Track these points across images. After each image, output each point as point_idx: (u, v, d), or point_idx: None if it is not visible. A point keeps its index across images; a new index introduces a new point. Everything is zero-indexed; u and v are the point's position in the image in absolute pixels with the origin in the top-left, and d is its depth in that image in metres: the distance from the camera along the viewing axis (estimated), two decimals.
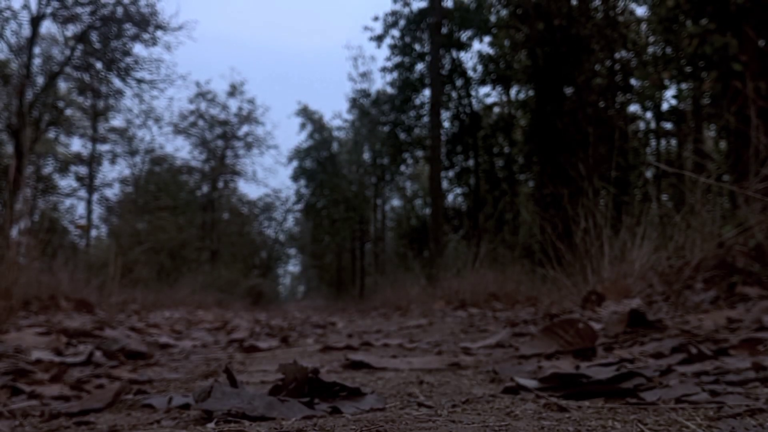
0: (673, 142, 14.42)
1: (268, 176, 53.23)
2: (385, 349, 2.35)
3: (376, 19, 19.55)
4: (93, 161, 22.68)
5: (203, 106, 25.33)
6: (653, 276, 3.15)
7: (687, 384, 1.10)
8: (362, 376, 1.48)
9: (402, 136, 19.65)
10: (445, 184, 17.11)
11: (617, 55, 12.50)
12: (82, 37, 14.63)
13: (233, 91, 25.32)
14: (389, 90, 20.36)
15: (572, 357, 1.57)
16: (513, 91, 14.85)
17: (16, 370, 1.47)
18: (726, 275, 2.51)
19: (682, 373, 1.21)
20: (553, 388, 1.12)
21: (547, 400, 1.05)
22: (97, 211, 23.42)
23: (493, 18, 16.24)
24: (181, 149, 47.59)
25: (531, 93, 13.56)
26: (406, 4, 18.67)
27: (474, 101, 17.75)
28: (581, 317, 2.67)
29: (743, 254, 2.52)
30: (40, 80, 15.23)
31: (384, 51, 39.52)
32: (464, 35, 18.07)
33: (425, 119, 18.55)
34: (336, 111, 48.42)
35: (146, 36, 15.07)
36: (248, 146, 25.86)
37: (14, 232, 3.30)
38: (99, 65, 15.38)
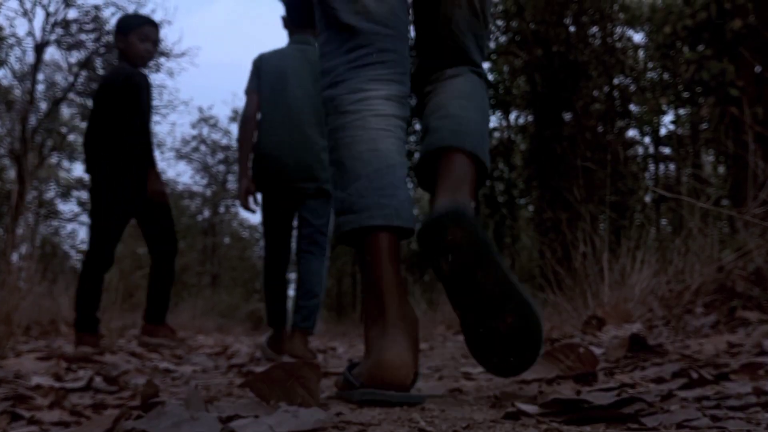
0: (672, 166, 14.47)
1: None
2: None
3: None
4: None
5: (205, 131, 25.46)
6: (653, 300, 3.15)
7: (688, 409, 1.10)
8: (359, 400, 1.47)
9: None
10: None
11: (615, 81, 12.60)
12: (85, 64, 14.77)
13: (235, 116, 25.48)
14: None
15: (573, 382, 1.57)
16: (512, 116, 14.95)
17: (15, 396, 1.47)
18: (726, 299, 2.51)
19: (683, 398, 1.21)
20: (555, 413, 1.12)
21: (548, 425, 1.05)
22: None
23: (492, 44, 16.42)
24: (183, 174, 47.75)
25: (530, 118, 13.64)
26: None
27: None
28: (582, 342, 2.66)
29: (743, 278, 2.52)
30: (43, 106, 15.35)
31: None
32: None
33: None
34: None
35: (149, 62, 15.21)
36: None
37: (15, 257, 3.31)
38: None
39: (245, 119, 3.28)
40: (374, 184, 1.34)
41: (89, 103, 15.91)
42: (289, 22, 3.36)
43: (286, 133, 3.16)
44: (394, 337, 1.28)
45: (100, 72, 14.97)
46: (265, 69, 3.24)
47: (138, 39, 3.61)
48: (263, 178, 3.24)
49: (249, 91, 3.28)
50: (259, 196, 3.33)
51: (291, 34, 3.34)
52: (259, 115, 3.28)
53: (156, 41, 3.76)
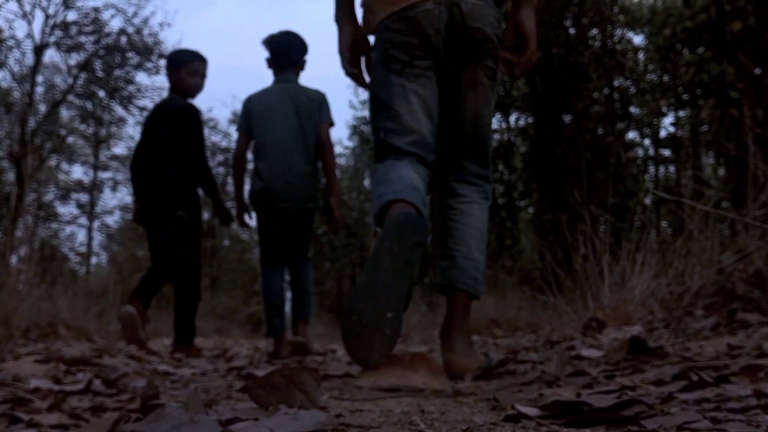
0: (672, 168, 14.48)
1: None
2: None
3: None
4: (94, 188, 22.74)
5: (205, 133, 25.43)
6: (653, 302, 3.14)
7: (688, 411, 1.10)
8: (362, 403, 1.47)
9: None
10: None
11: (615, 83, 12.61)
12: (85, 66, 14.76)
13: (235, 118, 25.49)
14: None
15: (573, 384, 1.56)
16: (512, 118, 14.95)
17: (14, 399, 1.46)
18: (726, 302, 2.51)
19: (684, 401, 1.21)
20: (555, 415, 1.12)
21: (548, 428, 1.05)
22: (98, 238, 23.43)
23: None
24: None
25: (530, 120, 13.65)
26: None
27: None
28: (582, 343, 2.66)
29: (743, 281, 2.52)
30: (42, 108, 15.35)
31: None
32: None
33: None
34: (337, 138, 48.67)
35: (149, 64, 15.21)
36: (250, 173, 25.95)
37: (14, 260, 3.31)
38: (102, 93, 15.50)
39: (235, 158, 3.95)
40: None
41: (88, 105, 15.95)
42: (273, 63, 3.89)
43: (275, 160, 3.68)
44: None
45: (100, 74, 14.98)
46: (254, 108, 3.78)
47: (188, 74, 3.94)
48: (256, 199, 3.76)
49: (239, 131, 3.86)
50: (254, 215, 3.89)
51: (275, 73, 3.88)
52: (253, 144, 3.86)
53: (204, 75, 4.05)
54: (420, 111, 1.98)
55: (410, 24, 1.96)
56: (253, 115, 3.77)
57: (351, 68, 2.18)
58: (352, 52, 2.17)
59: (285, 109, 3.71)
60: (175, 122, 3.84)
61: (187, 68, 3.92)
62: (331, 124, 3.79)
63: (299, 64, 3.90)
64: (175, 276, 3.85)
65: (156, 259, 3.91)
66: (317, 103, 3.76)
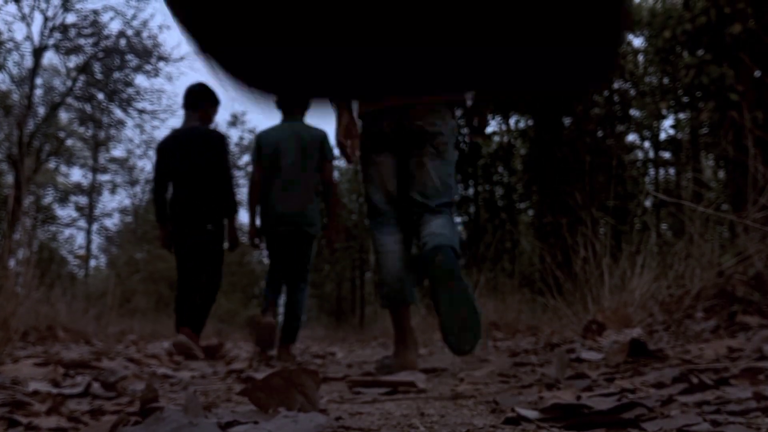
0: (672, 171, 14.49)
1: None
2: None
3: None
4: (93, 191, 22.74)
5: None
6: (654, 305, 3.14)
7: (688, 414, 1.09)
8: (361, 406, 1.47)
9: None
10: None
11: (615, 86, 12.63)
12: (84, 68, 14.78)
13: (234, 120, 25.51)
14: None
15: (573, 387, 1.56)
16: (512, 121, 14.97)
17: (13, 402, 1.46)
18: (726, 304, 2.50)
19: (684, 403, 1.20)
20: (555, 418, 1.12)
21: (548, 430, 1.05)
22: (97, 241, 23.43)
23: None
24: None
25: (530, 122, 13.66)
26: None
27: None
28: (582, 346, 2.66)
29: (743, 283, 2.52)
30: (41, 111, 15.36)
31: None
32: None
33: None
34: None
35: (148, 67, 15.22)
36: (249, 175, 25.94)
37: (13, 263, 3.30)
38: (101, 96, 15.51)
39: (251, 184, 4.35)
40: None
41: (87, 108, 15.96)
42: (280, 106, 4.19)
43: (281, 191, 4.15)
44: (409, 349, 2.72)
45: (99, 76, 14.99)
46: (263, 143, 4.24)
47: (215, 110, 4.63)
48: (265, 225, 4.26)
49: (254, 162, 4.33)
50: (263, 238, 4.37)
51: (283, 114, 4.33)
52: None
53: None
54: (388, 176, 2.82)
55: (378, 119, 2.77)
56: (263, 149, 4.26)
57: (343, 148, 2.92)
58: (344, 137, 2.88)
59: (290, 146, 4.18)
60: (207, 145, 4.41)
61: (217, 105, 4.62)
62: (333, 159, 4.28)
63: (305, 106, 4.19)
64: (199, 281, 4.38)
65: (185, 271, 4.41)
66: (319, 141, 4.20)
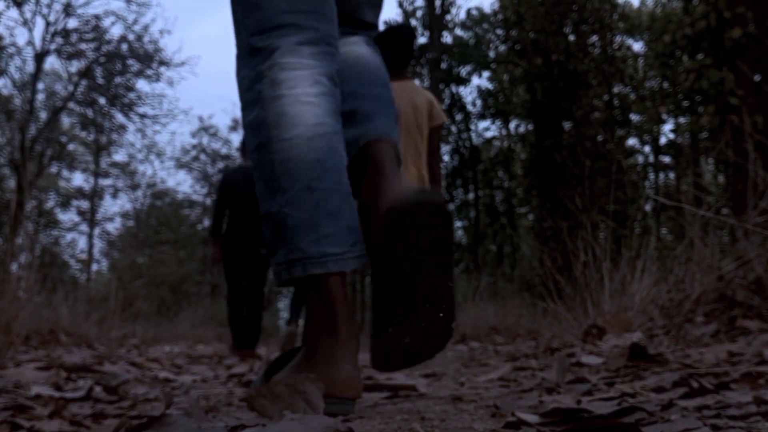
0: (672, 175, 14.49)
1: None
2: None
3: None
4: (95, 195, 22.77)
5: (205, 140, 25.47)
6: (654, 309, 3.14)
7: (689, 418, 1.10)
8: (362, 410, 1.47)
9: None
10: None
11: (615, 90, 12.64)
12: (86, 73, 14.81)
13: (235, 125, 25.53)
14: None
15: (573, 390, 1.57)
16: (512, 125, 15.00)
17: (15, 406, 1.46)
18: (726, 308, 2.51)
19: (684, 408, 1.21)
20: (555, 422, 1.12)
21: None
22: (98, 245, 23.44)
23: (491, 54, 16.46)
24: (183, 183, 47.86)
25: (530, 127, 13.67)
26: None
27: (473, 135, 17.89)
28: (582, 350, 2.66)
29: (743, 287, 2.52)
30: (43, 115, 15.39)
31: None
32: (463, 70, 18.28)
33: None
34: None
35: (150, 72, 15.26)
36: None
37: (15, 267, 3.31)
38: (102, 100, 15.54)
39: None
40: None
41: (89, 112, 15.99)
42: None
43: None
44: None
45: (100, 81, 15.03)
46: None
47: None
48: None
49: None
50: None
51: None
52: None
53: None
54: None
55: None
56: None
57: None
58: None
59: None
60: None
61: None
62: None
63: None
64: (250, 299, 5.19)
65: (236, 289, 5.21)
66: None
